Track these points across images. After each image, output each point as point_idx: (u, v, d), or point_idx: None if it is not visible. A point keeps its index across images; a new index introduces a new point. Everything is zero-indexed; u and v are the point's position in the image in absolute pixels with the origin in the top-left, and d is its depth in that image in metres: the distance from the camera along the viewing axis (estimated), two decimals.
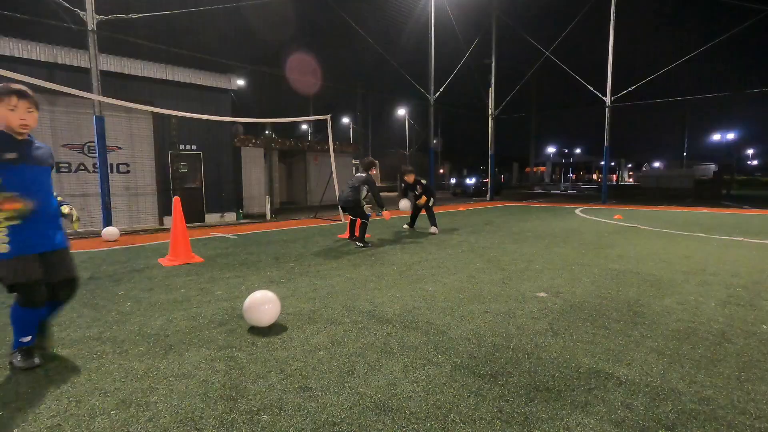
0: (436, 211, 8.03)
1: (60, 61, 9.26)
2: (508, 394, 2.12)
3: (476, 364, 2.46)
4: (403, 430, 1.84)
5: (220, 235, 8.37)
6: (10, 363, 2.44)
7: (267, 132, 21.16)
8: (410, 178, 8.23)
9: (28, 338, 2.44)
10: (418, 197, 8.26)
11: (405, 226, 8.79)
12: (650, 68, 16.44)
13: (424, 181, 8.51)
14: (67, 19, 8.50)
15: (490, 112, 20.07)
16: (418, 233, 8.10)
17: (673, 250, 6.06)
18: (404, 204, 8.12)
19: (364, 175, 6.76)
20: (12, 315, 2.37)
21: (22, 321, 2.38)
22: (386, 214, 7.09)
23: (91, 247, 6.91)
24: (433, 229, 8.34)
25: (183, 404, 2.05)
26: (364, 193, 6.53)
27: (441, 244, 6.85)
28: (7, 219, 2.23)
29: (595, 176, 75.29)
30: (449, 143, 51.42)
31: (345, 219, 6.44)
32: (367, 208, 6.68)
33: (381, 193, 6.85)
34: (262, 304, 3.01)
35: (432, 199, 8.39)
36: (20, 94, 2.29)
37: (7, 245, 2.25)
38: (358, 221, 6.70)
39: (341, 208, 5.94)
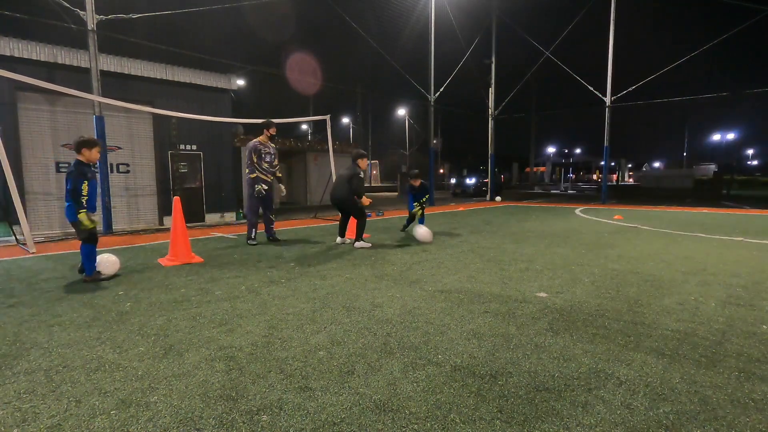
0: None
1: (60, 61, 9.24)
2: (508, 394, 2.12)
3: (476, 364, 2.46)
4: (403, 430, 1.84)
5: (220, 235, 8.37)
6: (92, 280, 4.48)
7: None
8: (417, 182, 7.94)
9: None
10: (422, 205, 8.01)
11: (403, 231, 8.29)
12: (650, 68, 16.43)
13: (424, 182, 8.28)
14: (67, 19, 8.49)
15: (490, 112, 20.07)
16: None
17: (673, 250, 6.06)
18: (423, 232, 7.00)
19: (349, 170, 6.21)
20: (86, 252, 4.55)
21: (92, 254, 4.58)
22: (366, 200, 6.44)
23: None
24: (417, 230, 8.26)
25: (183, 404, 2.05)
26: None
27: (441, 244, 6.85)
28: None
29: (595, 176, 75.21)
30: (449, 143, 51.37)
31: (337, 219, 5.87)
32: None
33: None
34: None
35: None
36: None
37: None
38: (353, 220, 6.57)
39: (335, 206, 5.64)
